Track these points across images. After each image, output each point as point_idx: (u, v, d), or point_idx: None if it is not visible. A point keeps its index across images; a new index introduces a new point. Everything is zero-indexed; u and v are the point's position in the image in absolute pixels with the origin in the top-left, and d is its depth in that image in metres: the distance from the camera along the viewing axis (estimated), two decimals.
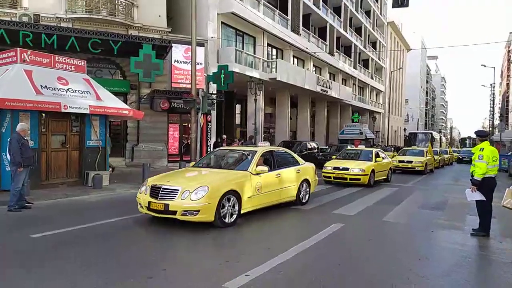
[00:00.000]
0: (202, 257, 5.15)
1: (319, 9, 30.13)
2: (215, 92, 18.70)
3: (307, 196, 9.17)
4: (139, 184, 11.53)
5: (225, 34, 21.32)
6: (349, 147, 20.65)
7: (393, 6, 12.72)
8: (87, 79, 11.71)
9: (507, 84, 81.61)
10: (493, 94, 78.02)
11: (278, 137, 26.75)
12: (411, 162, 19.74)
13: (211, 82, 18.19)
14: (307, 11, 28.59)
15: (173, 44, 16.68)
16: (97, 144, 11.64)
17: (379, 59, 49.38)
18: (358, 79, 41.22)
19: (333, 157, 15.98)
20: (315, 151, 22.96)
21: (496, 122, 63.01)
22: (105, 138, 11.98)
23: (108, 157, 12.34)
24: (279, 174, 8.11)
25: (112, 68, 17.65)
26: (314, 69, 31.35)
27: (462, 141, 60.48)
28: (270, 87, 23.81)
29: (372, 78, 46.69)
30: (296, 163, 9.07)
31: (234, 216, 6.71)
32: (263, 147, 8.94)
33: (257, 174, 7.38)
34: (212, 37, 19.44)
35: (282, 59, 25.68)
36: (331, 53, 32.64)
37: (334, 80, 33.80)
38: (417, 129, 63.07)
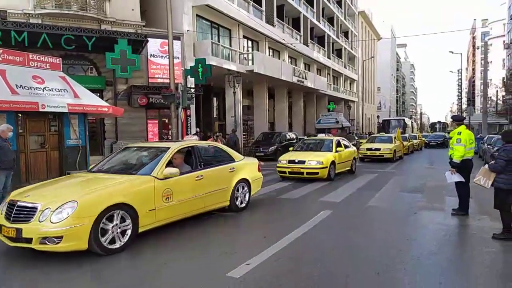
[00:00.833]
0: (199, 250, 5.22)
1: (292, 0, 30.24)
2: (193, 86, 18.57)
3: (247, 199, 7.62)
4: None
5: (200, 27, 21.12)
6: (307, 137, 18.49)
7: None
8: (63, 77, 11.42)
9: (473, 70, 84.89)
10: (460, 79, 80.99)
11: (257, 129, 26.90)
12: (379, 149, 18.77)
13: (189, 76, 18.05)
14: (280, 2, 28.67)
15: (148, 39, 16.42)
16: (76, 143, 11.40)
17: (351, 48, 50.18)
18: (332, 69, 41.82)
19: (290, 148, 14.31)
20: (294, 141, 23.27)
21: (464, 106, 65.52)
22: (85, 137, 11.75)
23: (89, 156, 12.12)
24: (201, 175, 6.44)
25: (86, 64, 17.18)
26: (289, 60, 31.56)
27: (432, 126, 62.52)
28: (247, 79, 23.83)
29: (345, 67, 47.46)
30: (230, 160, 7.47)
31: (126, 239, 5.06)
32: (181, 142, 7.02)
33: (165, 178, 5.72)
34: (187, 30, 19.23)
35: (258, 51, 25.72)
36: (305, 43, 32.92)
37: (309, 71, 34.16)
38: (389, 116, 64.77)
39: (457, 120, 7.27)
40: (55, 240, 4.47)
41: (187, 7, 19.30)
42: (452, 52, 47.60)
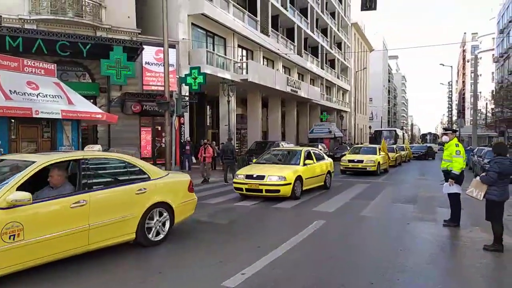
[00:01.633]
0: (193, 259, 5.21)
1: (287, 11, 30.61)
2: (187, 94, 18.62)
3: (166, 229, 5.79)
4: None
5: (195, 36, 21.24)
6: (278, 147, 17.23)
7: (362, 9, 13.22)
8: (58, 83, 11.38)
9: (463, 82, 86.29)
10: (451, 92, 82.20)
11: (250, 138, 26.95)
12: (361, 161, 17.14)
13: (184, 84, 18.10)
14: (275, 12, 28.99)
15: (144, 46, 16.47)
16: (69, 149, 11.31)
17: (344, 59, 50.77)
18: (326, 79, 42.23)
19: (254, 160, 12.64)
20: None
21: (455, 118, 66.41)
22: (78, 143, 11.69)
23: None
24: (83, 201, 4.70)
25: (79, 70, 17.14)
26: (283, 69, 31.81)
27: (423, 137, 63.22)
28: (241, 88, 23.95)
29: (338, 78, 47.95)
30: (143, 177, 5.63)
31: None
32: (58, 154, 5.16)
33: (11, 207, 4.08)
34: (183, 39, 19.33)
35: (253, 60, 25.90)
36: (299, 53, 33.25)
37: (303, 80, 34.45)
38: (381, 127, 65.39)
39: (453, 131, 7.40)
40: None
41: (182, 16, 19.42)
42: (443, 65, 48.39)
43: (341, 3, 49.37)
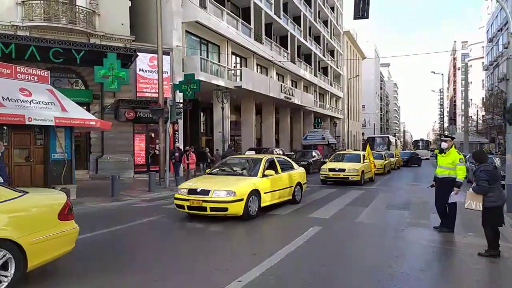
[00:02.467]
0: (190, 267, 5.17)
1: (280, 19, 30.85)
2: (181, 100, 18.60)
3: (9, 274, 3.96)
4: (109, 197, 11.35)
5: (189, 43, 21.29)
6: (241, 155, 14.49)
7: (354, 18, 13.27)
8: (51, 90, 11.27)
9: (454, 89, 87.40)
10: (442, 99, 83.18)
11: (244, 144, 26.94)
12: (343, 170, 15.39)
13: (178, 91, 18.10)
14: (269, 20, 29.20)
15: (138, 53, 16.46)
16: (62, 157, 11.20)
17: (337, 67, 51.20)
18: (319, 86, 42.51)
19: (207, 171, 11.31)
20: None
21: (446, 125, 67.04)
22: (71, 151, 11.57)
23: (74, 170, 11.91)
24: None
25: (72, 77, 17.08)
26: (277, 77, 31.98)
27: (415, 143, 63.68)
28: (235, 95, 24.00)
29: (331, 85, 48.30)
30: None
31: None
32: None
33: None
34: (177, 46, 19.36)
35: (246, 67, 26.01)
36: (292, 61, 33.47)
37: (296, 88, 34.64)
38: (374, 133, 65.79)
39: (452, 138, 7.44)
40: None
41: (176, 23, 19.48)
42: (434, 72, 49.09)
43: (333, 12, 49.93)
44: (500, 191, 5.61)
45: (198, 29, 21.22)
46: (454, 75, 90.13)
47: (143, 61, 18.12)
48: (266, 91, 25.79)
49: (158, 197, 12.00)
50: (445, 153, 7.03)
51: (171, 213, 8.78)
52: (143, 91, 18.43)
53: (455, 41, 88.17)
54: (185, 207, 8.09)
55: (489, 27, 51.88)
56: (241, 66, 25.94)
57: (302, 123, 38.05)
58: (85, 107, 15.71)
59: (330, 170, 15.83)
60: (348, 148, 46.36)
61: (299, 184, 10.46)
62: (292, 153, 27.61)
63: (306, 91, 38.52)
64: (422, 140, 61.93)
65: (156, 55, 14.95)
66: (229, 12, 23.97)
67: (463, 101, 41.02)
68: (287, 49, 32.89)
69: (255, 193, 8.33)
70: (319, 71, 43.02)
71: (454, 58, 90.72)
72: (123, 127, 17.63)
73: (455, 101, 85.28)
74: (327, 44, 46.10)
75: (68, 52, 13.98)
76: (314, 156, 23.66)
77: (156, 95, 16.58)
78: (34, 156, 10.54)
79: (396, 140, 54.33)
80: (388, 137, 45.96)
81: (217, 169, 10.08)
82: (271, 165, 9.58)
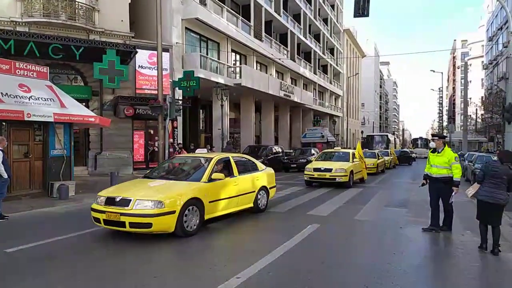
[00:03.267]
0: (188, 264, 5.18)
1: (280, 16, 30.80)
2: (180, 97, 18.59)
3: None
4: None
5: (189, 40, 21.25)
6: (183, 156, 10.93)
7: (355, 16, 13.29)
8: (50, 86, 11.28)
9: (453, 88, 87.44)
10: (441, 97, 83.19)
11: (243, 142, 26.95)
12: (330, 170, 13.84)
13: (177, 88, 18.07)
14: (269, 18, 29.15)
15: (137, 50, 16.41)
16: (61, 153, 11.22)
17: (337, 65, 51.16)
18: (318, 84, 42.48)
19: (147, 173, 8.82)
20: (280, 155, 23.42)
21: (445, 123, 67.05)
22: (70, 147, 11.57)
23: (73, 167, 11.91)
24: None
25: (72, 74, 17.03)
26: (276, 74, 31.95)
27: (414, 141, 63.72)
28: (234, 92, 23.98)
29: (331, 83, 48.27)
30: None
31: None
32: None
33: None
34: (176, 43, 19.32)
35: (246, 64, 25.97)
36: (292, 59, 33.44)
37: (296, 85, 34.61)
38: (373, 132, 65.86)
39: (442, 137, 7.39)
40: None
41: (176, 20, 19.43)
42: (434, 71, 49.09)
43: (333, 10, 49.84)
44: (492, 190, 5.64)
45: (198, 26, 21.17)
46: (454, 73, 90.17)
47: (142, 57, 18.07)
48: (266, 89, 25.77)
49: None
50: (439, 152, 6.97)
51: None
52: (142, 88, 18.40)
53: (454, 40, 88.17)
54: (101, 220, 6.28)
55: (489, 26, 51.86)
56: (240, 64, 25.91)
57: (302, 121, 38.05)
58: (84, 104, 15.69)
59: (315, 170, 14.24)
60: (348, 147, 46.42)
61: (264, 188, 8.87)
62: (291, 150, 27.67)
63: (305, 89, 38.50)
64: (421, 138, 61.92)
65: (155, 52, 14.90)
66: (229, 9, 23.92)
67: (462, 99, 41.04)
68: (287, 47, 32.85)
69: (195, 202, 6.60)
70: (318, 69, 42.99)
71: (454, 57, 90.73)
72: (122, 123, 17.61)
73: (454, 100, 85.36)
74: (327, 42, 46.05)
75: (68, 48, 13.93)
76: (313, 154, 23.65)
77: (155, 92, 16.55)
78: (33, 152, 10.55)
79: (395, 138, 54.45)
80: (387, 135, 46.06)
81: (156, 172, 8.17)
82: (225, 166, 7.99)
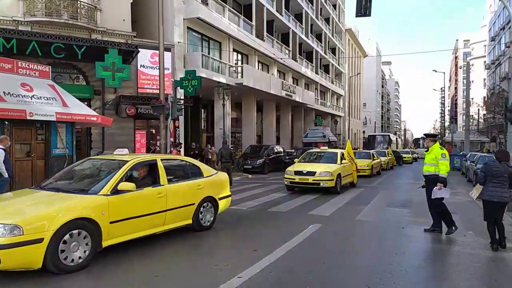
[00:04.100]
0: (190, 263, 5.19)
1: (282, 16, 30.78)
2: (182, 97, 18.59)
3: None
4: None
5: (191, 39, 21.26)
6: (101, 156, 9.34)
7: (357, 16, 13.25)
8: (52, 85, 11.30)
9: (455, 88, 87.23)
10: (443, 97, 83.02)
11: (244, 141, 26.95)
12: (313, 173, 11.99)
13: (179, 87, 18.07)
14: (270, 18, 29.13)
15: (139, 49, 16.43)
16: (63, 152, 11.23)
17: (338, 64, 51.10)
18: (320, 84, 42.43)
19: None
20: (282, 154, 23.42)
21: (447, 123, 66.93)
22: (72, 146, 11.60)
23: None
24: None
25: (73, 73, 17.06)
26: (278, 74, 31.93)
27: (416, 141, 63.64)
28: (236, 92, 23.98)
29: (332, 82, 48.22)
30: None
31: None
32: None
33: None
34: (178, 42, 19.33)
35: (248, 64, 25.97)
36: (294, 58, 33.41)
37: (297, 85, 34.57)
38: (375, 132, 65.77)
39: (432, 136, 7.36)
40: None
41: (178, 20, 19.44)
42: (436, 71, 48.96)
43: (335, 9, 49.79)
44: (494, 190, 5.76)
45: (199, 26, 21.18)
46: (456, 73, 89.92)
47: (144, 57, 18.08)
48: (267, 88, 25.76)
49: None
50: (428, 150, 7.06)
51: None
52: (144, 87, 18.41)
53: (457, 40, 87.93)
54: None
55: (492, 26, 51.72)
56: (242, 63, 25.90)
57: (303, 120, 38.02)
58: (86, 103, 15.72)
59: (297, 173, 12.30)
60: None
61: (209, 199, 6.93)
62: (293, 150, 27.67)
63: (307, 88, 38.46)
64: (423, 138, 61.78)
65: (157, 51, 14.92)
66: (231, 8, 23.90)
67: (464, 100, 40.97)
68: (288, 47, 32.82)
69: (83, 225, 4.77)
70: (320, 68, 42.95)
71: (456, 57, 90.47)
72: (124, 123, 17.62)
73: (456, 100, 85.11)
74: (328, 41, 46.00)
75: (70, 47, 13.95)
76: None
77: (157, 91, 16.56)
78: (35, 151, 10.56)
79: (396, 138, 54.38)
80: (388, 135, 46.01)
81: (54, 180, 6.08)
82: (150, 172, 6.21)
